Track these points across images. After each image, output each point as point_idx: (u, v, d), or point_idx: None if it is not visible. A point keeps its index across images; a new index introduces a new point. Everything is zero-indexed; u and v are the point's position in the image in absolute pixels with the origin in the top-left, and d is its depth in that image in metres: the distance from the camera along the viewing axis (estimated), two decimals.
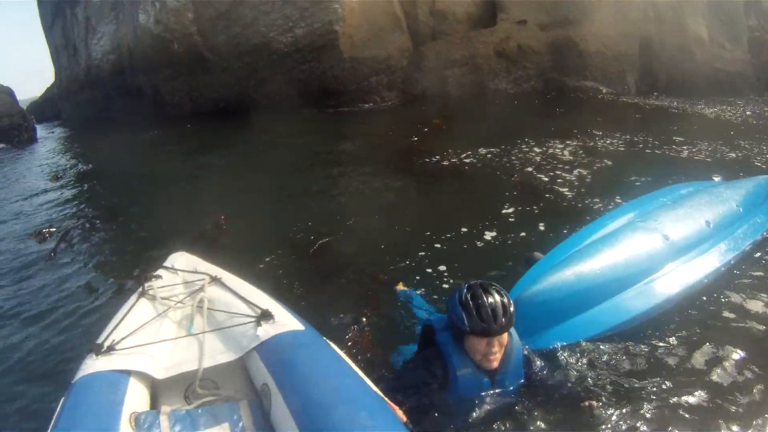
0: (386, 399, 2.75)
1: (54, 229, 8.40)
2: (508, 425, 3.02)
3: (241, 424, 2.73)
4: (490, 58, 16.16)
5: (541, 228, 6.43)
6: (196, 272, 3.91)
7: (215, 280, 3.77)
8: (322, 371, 2.74)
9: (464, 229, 6.50)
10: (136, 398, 2.79)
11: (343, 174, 9.90)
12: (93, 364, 2.87)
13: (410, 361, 3.28)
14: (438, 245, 6.17)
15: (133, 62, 23.59)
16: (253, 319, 3.21)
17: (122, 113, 24.51)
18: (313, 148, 12.49)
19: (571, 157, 9.70)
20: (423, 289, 4.95)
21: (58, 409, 2.59)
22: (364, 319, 4.67)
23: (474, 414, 3.02)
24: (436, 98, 16.10)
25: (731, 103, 14.90)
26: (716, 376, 3.54)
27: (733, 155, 9.59)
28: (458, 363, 2.92)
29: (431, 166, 9.94)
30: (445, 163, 9.96)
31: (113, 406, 2.64)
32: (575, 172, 8.73)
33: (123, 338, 3.08)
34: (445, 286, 5.19)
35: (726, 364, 3.66)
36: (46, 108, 35.58)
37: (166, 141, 17.62)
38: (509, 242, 6.17)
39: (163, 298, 3.63)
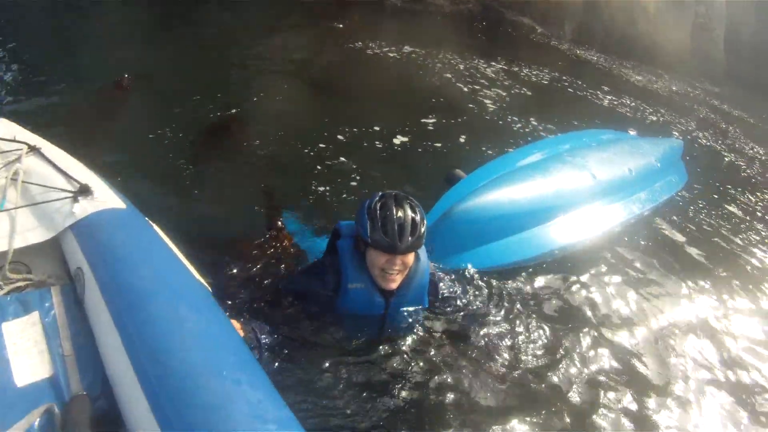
0: (207, 286, 2.65)
1: None
2: (392, 353, 2.89)
3: (52, 313, 2.51)
4: None
5: (460, 141, 6.42)
6: (13, 140, 3.48)
7: (34, 149, 3.40)
8: (141, 255, 2.59)
9: (377, 128, 6.36)
10: None
11: (260, 47, 9.59)
12: None
13: (308, 266, 3.08)
14: (345, 140, 6.05)
15: None
16: (70, 195, 2.93)
17: None
18: (233, 19, 11.90)
19: (493, 77, 9.68)
20: (301, 213, 4.58)
21: None
22: (280, 223, 4.37)
23: (358, 334, 2.89)
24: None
25: (659, 75, 15.33)
26: (626, 320, 3.74)
27: (653, 118, 9.93)
28: (352, 275, 2.73)
29: (352, 52, 9.85)
30: (368, 52, 9.88)
31: None
32: (495, 91, 8.70)
33: None
34: (346, 193, 5.03)
35: (631, 308, 3.90)
36: None
37: None
38: (422, 151, 6.10)
39: None
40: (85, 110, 6.45)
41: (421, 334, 2.96)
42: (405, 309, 2.87)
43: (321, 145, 5.79)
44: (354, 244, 2.75)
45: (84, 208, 2.82)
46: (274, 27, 12.01)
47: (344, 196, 4.86)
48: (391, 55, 10.07)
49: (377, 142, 6.08)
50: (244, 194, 4.87)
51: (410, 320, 2.93)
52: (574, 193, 4.31)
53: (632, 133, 7.02)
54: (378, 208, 2.61)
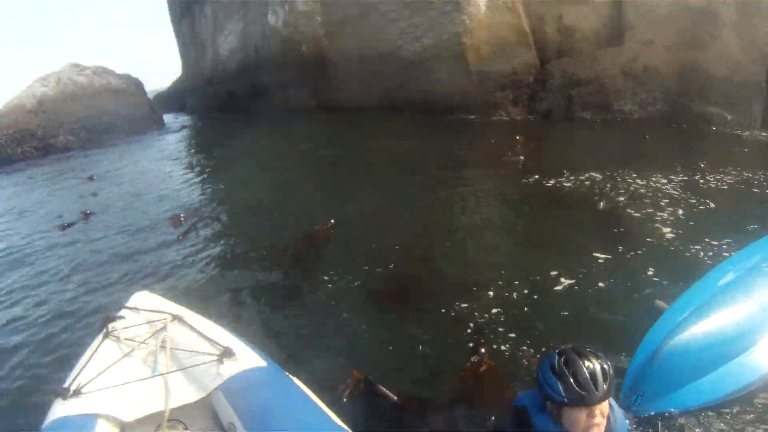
0: None
1: (184, 215, 10.11)
2: None
3: None
4: (615, 78, 16.31)
5: (646, 272, 6.41)
6: (158, 311, 4.15)
7: (177, 318, 4.03)
8: (287, 408, 2.95)
9: (554, 272, 6.57)
10: None
11: (446, 183, 10.85)
12: (60, 409, 3.12)
13: None
14: (525, 285, 6.30)
15: (259, 61, 25.71)
16: (215, 358, 3.46)
17: (246, 107, 27.04)
18: (425, 154, 13.68)
19: (674, 193, 9.61)
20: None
21: None
22: (483, 350, 4.77)
23: None
24: (561, 118, 16.44)
25: None
26: None
27: None
28: None
29: (531, 186, 10.49)
30: (548, 183, 10.52)
31: None
32: (676, 210, 8.68)
33: (89, 381, 3.31)
34: (531, 340, 5.22)
35: None
36: (173, 99, 39.59)
37: (291, 136, 19.41)
38: (598, 291, 6.13)
39: (126, 339, 3.88)
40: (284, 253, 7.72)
41: None
42: None
43: (502, 290, 6.13)
44: (551, 413, 2.74)
45: (229, 369, 3.30)
46: (465, 152, 13.47)
47: (530, 342, 5.08)
48: (572, 179, 10.54)
49: (551, 283, 6.29)
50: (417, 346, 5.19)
51: None
52: None
53: None
54: (563, 364, 2.65)
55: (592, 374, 2.59)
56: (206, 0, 30.28)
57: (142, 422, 3.20)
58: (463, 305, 5.87)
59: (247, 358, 3.49)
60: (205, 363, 3.45)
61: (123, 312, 4.21)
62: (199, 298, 6.30)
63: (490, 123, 16.98)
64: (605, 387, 2.59)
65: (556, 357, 2.71)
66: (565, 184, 10.48)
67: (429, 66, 19.45)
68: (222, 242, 8.87)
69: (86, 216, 11.81)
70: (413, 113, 19.44)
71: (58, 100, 28.19)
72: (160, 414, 3.17)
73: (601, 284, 6.20)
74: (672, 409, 3.67)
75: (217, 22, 29.65)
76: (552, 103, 17.09)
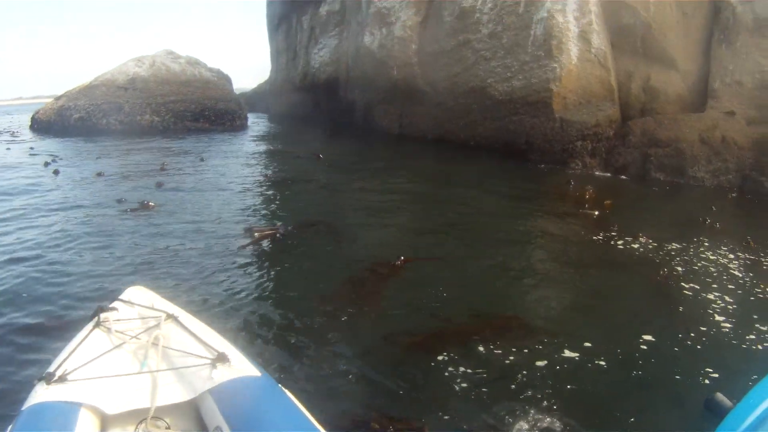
0: None
1: (258, 231, 10.42)
2: None
3: None
4: (693, 144, 16.82)
5: (703, 359, 6.03)
6: (152, 308, 4.16)
7: (171, 317, 4.03)
8: (277, 419, 3.00)
9: (601, 344, 6.36)
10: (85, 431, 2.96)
11: (519, 232, 11.51)
12: (43, 393, 3.11)
13: None
14: (568, 352, 6.16)
15: (350, 78, 27.85)
16: (208, 361, 3.49)
17: (329, 120, 29.37)
18: (503, 196, 14.63)
19: (735, 273, 9.14)
20: None
21: None
22: None
23: None
24: (636, 175, 17.11)
25: None
26: None
27: None
28: None
29: (600, 245, 10.68)
30: (617, 244, 10.61)
31: None
32: (736, 295, 8.12)
33: (75, 369, 3.32)
34: (562, 397, 5.23)
35: None
36: (256, 100, 42.11)
37: (373, 158, 20.70)
38: (662, 369, 5.88)
39: (117, 332, 3.88)
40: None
41: None
42: None
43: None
44: None
45: (222, 374, 3.33)
46: (541, 202, 14.30)
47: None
48: (641, 241, 10.63)
49: (595, 355, 6.04)
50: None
51: None
52: None
53: None
54: None
55: None
56: (306, 12, 32.48)
57: (126, 416, 3.28)
58: (505, 361, 5.98)
59: (241, 365, 3.55)
60: (197, 365, 3.52)
61: (116, 304, 4.31)
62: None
63: (566, 173, 17.69)
64: None
65: None
66: (633, 245, 10.51)
67: (514, 107, 20.76)
68: (284, 262, 9.25)
69: (146, 206, 12.89)
70: (490, 153, 20.76)
71: (149, 80, 31.03)
72: (145, 410, 3.25)
73: (653, 363, 6.00)
74: None
75: (313, 34, 31.77)
76: (628, 159, 17.97)
